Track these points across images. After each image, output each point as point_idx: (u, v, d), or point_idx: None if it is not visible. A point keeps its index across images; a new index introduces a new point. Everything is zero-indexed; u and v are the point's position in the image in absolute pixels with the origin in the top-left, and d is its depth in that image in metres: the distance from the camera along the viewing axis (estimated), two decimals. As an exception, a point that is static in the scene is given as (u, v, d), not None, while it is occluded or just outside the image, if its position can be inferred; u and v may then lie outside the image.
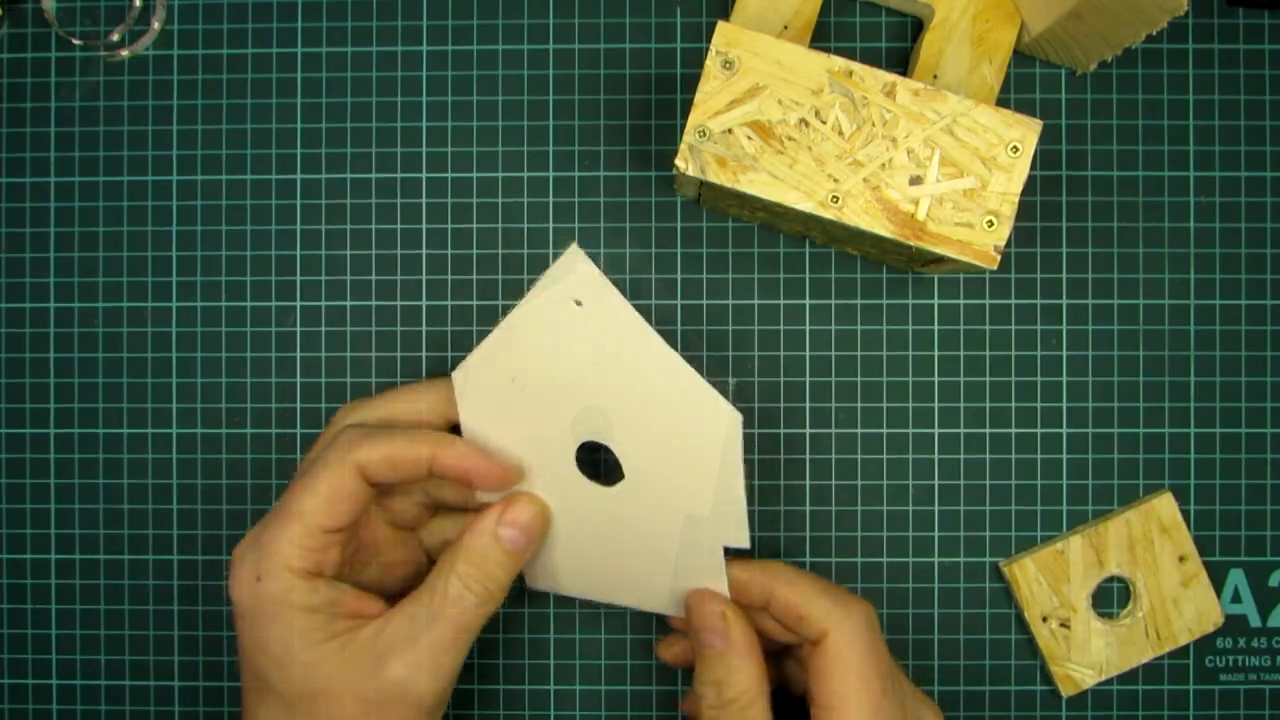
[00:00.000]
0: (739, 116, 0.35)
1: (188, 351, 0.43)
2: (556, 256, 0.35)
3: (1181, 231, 0.42)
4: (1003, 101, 0.42)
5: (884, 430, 0.42)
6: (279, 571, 0.34)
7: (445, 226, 0.43)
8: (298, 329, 0.43)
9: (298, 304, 0.43)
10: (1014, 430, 0.42)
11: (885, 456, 0.42)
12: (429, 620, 0.35)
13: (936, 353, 0.42)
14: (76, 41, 0.43)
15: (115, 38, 0.43)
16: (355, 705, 0.34)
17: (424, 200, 0.43)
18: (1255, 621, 0.42)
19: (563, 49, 0.43)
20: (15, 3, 0.43)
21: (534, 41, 0.43)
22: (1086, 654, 0.41)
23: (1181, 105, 0.42)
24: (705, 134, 0.35)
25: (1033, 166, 0.42)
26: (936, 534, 0.42)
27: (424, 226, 0.43)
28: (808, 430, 0.42)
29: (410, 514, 0.39)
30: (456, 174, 0.43)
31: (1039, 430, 0.42)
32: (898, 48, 0.42)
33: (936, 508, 0.42)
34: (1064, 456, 0.42)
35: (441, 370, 0.42)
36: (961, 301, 0.42)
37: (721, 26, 0.35)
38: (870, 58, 0.42)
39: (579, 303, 0.34)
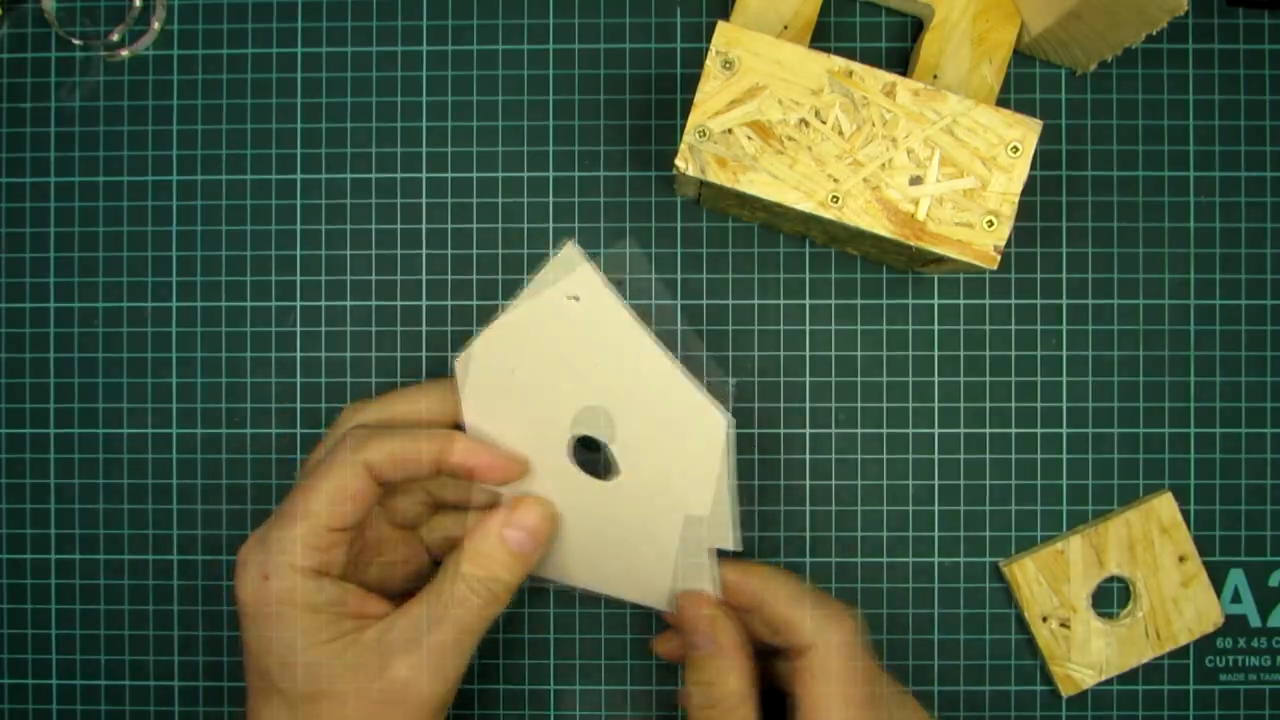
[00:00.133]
0: (739, 116, 0.35)
1: (188, 351, 0.43)
2: (556, 254, 0.35)
3: (1181, 231, 0.42)
4: (1003, 101, 0.42)
5: (884, 430, 0.42)
6: (285, 571, 0.34)
7: (445, 226, 0.43)
8: (298, 329, 0.43)
9: (298, 304, 0.43)
10: (1014, 430, 0.42)
11: (885, 456, 0.42)
12: (433, 622, 0.35)
13: (936, 353, 0.42)
14: (76, 41, 0.43)
15: (115, 38, 0.43)
16: (359, 706, 0.34)
17: (424, 200, 0.43)
18: (1255, 621, 0.42)
19: (563, 49, 0.43)
20: (15, 3, 0.43)
21: (534, 41, 0.43)
22: (1086, 654, 0.41)
23: (1181, 105, 0.42)
24: (705, 134, 0.35)
25: (1033, 166, 0.42)
26: (936, 534, 0.42)
27: (424, 226, 0.43)
28: (808, 430, 0.42)
29: (412, 513, 0.39)
30: (456, 174, 0.43)
31: (1039, 430, 0.42)
32: (898, 48, 0.42)
33: (936, 508, 0.42)
34: (1064, 456, 0.42)
35: (441, 371, 0.42)
36: (961, 301, 0.42)
37: (721, 26, 0.35)
38: (870, 58, 0.42)
39: (575, 298, 0.35)
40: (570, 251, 0.35)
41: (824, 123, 0.35)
